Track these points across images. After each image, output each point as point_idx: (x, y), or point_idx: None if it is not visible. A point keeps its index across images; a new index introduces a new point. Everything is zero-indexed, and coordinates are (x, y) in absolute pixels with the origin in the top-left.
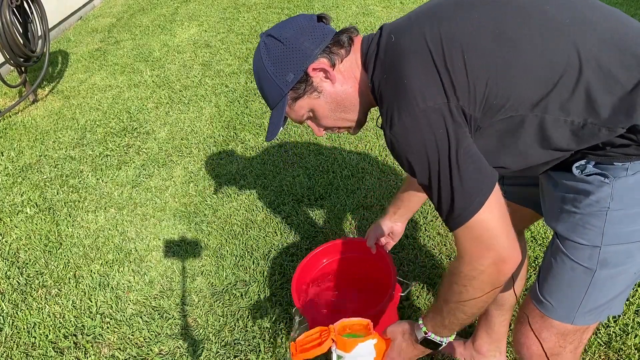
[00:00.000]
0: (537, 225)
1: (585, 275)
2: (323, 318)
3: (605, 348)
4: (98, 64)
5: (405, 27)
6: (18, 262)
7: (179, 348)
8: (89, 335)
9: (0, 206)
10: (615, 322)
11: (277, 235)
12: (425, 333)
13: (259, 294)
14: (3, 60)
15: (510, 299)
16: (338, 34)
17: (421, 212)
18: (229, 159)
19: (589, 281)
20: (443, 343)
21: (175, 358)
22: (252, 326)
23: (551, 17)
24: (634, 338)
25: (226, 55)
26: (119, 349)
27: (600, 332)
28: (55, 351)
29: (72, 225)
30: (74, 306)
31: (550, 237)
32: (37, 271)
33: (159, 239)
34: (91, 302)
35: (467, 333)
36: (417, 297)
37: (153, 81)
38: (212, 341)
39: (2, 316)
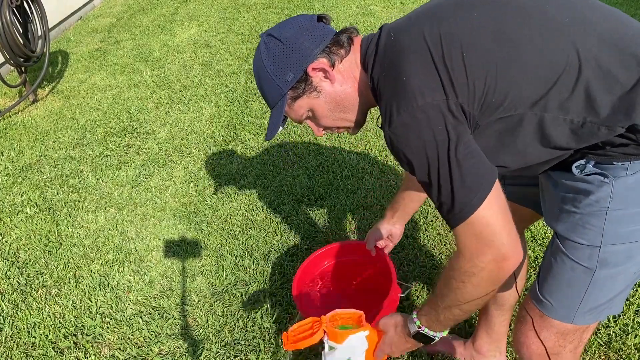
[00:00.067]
0: (537, 225)
1: (585, 275)
2: None
3: (605, 348)
4: (98, 64)
5: (405, 27)
6: (18, 262)
7: (179, 348)
8: (89, 335)
9: (0, 206)
10: (615, 322)
11: (277, 235)
12: (419, 327)
13: (259, 294)
14: (3, 60)
15: (510, 299)
16: (338, 34)
17: (421, 212)
18: (229, 159)
19: (589, 281)
20: (436, 338)
21: (175, 358)
22: (252, 326)
23: (551, 17)
24: (634, 338)
25: (226, 55)
26: (119, 349)
27: (600, 332)
28: (55, 351)
29: (72, 225)
30: (74, 306)
31: (550, 237)
32: (37, 271)
33: (159, 239)
34: (91, 302)
35: (467, 333)
36: (417, 297)
37: (153, 81)
38: (212, 341)
39: (2, 316)
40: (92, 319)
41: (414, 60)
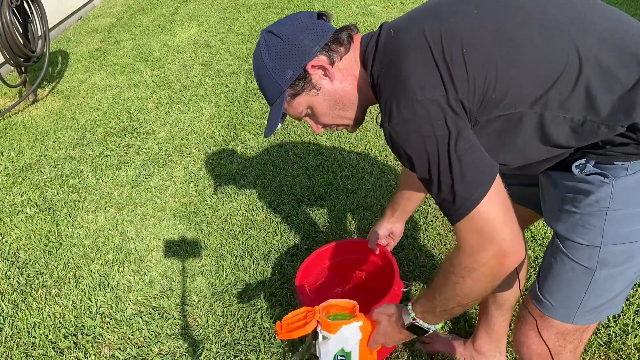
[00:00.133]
0: (537, 225)
1: (585, 275)
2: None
3: (605, 348)
4: (98, 64)
5: (405, 24)
6: (18, 262)
7: (179, 348)
8: (89, 335)
9: (0, 206)
10: (615, 322)
11: (277, 235)
12: (414, 319)
13: (259, 294)
14: (3, 60)
15: (510, 299)
16: (338, 31)
17: (421, 212)
18: (229, 159)
19: (589, 281)
20: (430, 330)
21: (175, 358)
22: (252, 326)
23: (551, 17)
24: (634, 338)
25: (226, 55)
26: (119, 349)
27: (600, 332)
28: (55, 351)
29: (72, 225)
30: (74, 306)
31: (550, 237)
32: (37, 271)
33: (159, 239)
34: (91, 302)
35: (467, 333)
36: None
37: (153, 81)
38: (212, 341)
39: (2, 316)
40: (92, 319)
41: (414, 57)
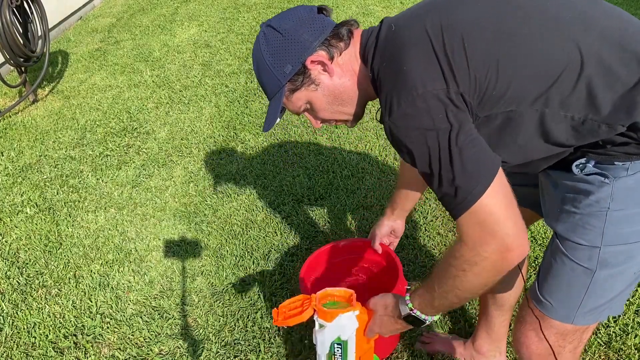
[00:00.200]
0: (537, 225)
1: (585, 276)
2: None
3: (605, 348)
4: (98, 64)
5: (406, 19)
6: (18, 262)
7: (179, 348)
8: (89, 335)
9: (0, 206)
10: (615, 322)
11: (277, 235)
12: (411, 310)
13: (259, 294)
14: (3, 60)
15: (510, 300)
16: (338, 26)
17: (421, 212)
18: (229, 159)
19: (589, 281)
20: (427, 321)
21: (175, 358)
22: (252, 326)
23: (551, 16)
24: (634, 338)
25: (226, 55)
26: (119, 349)
27: (600, 332)
28: (55, 351)
29: (72, 225)
30: (74, 306)
31: (550, 237)
32: (37, 271)
33: (159, 239)
34: (91, 302)
35: (467, 333)
36: None
37: (153, 81)
38: (212, 341)
39: (2, 316)
40: (92, 319)
41: (415, 51)
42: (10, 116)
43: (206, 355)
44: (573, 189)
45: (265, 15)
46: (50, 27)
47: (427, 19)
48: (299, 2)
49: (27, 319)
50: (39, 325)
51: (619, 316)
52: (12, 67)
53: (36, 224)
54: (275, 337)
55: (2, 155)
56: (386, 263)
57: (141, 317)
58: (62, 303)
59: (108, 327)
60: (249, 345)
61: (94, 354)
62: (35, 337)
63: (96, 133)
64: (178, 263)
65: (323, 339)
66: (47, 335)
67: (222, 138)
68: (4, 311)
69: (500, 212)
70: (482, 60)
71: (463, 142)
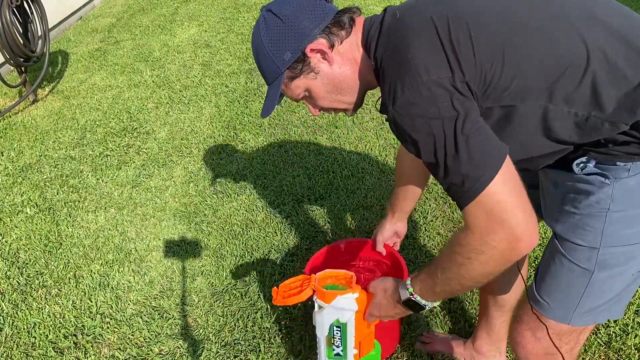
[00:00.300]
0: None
1: (583, 277)
2: None
3: (605, 348)
4: (98, 64)
5: (411, 7)
6: (18, 262)
7: (179, 348)
8: (89, 335)
9: (0, 206)
10: (615, 322)
11: (277, 235)
12: (411, 294)
13: (259, 294)
14: (3, 60)
15: (511, 300)
16: (339, 13)
17: (421, 212)
18: (229, 159)
19: (587, 282)
20: (427, 307)
21: (175, 358)
22: (252, 326)
23: (558, 10)
24: (634, 338)
25: (226, 55)
26: (119, 349)
27: (600, 332)
28: (55, 351)
29: (72, 225)
30: (74, 306)
31: (550, 236)
32: (37, 271)
33: (159, 239)
34: (91, 302)
35: (467, 333)
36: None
37: (153, 81)
38: (212, 341)
39: (2, 316)
40: (92, 319)
41: (420, 37)
42: (10, 116)
43: (206, 355)
44: (573, 189)
45: None
46: (50, 27)
47: (432, 7)
48: None
49: (27, 319)
50: (39, 325)
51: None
52: (12, 67)
53: (36, 224)
54: (275, 337)
55: (2, 155)
56: (390, 263)
57: (141, 317)
58: (62, 303)
59: (108, 327)
60: (249, 345)
61: (94, 354)
62: (35, 337)
63: (96, 133)
64: (178, 263)
65: (322, 321)
66: (47, 335)
67: (222, 138)
68: (4, 311)
69: (509, 201)
70: (488, 50)
71: (469, 130)
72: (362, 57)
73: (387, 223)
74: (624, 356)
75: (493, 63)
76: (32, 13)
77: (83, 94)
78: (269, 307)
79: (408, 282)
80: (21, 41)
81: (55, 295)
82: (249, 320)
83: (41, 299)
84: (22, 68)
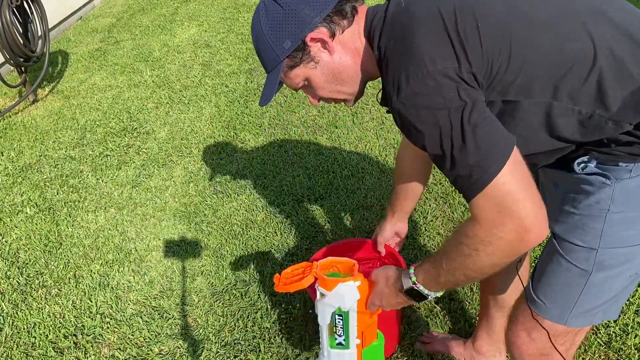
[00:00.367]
0: None
1: (580, 278)
2: None
3: (605, 348)
4: (98, 64)
5: None
6: (18, 262)
7: (179, 348)
8: (89, 335)
9: (0, 206)
10: (615, 322)
11: (277, 235)
12: (414, 283)
13: (259, 294)
14: (3, 60)
15: (511, 301)
16: (342, 1)
17: (421, 212)
18: (229, 159)
19: (584, 283)
20: (429, 297)
21: (175, 358)
22: (252, 326)
23: (567, 6)
24: (634, 338)
25: (226, 55)
26: (119, 349)
27: (600, 332)
28: (55, 351)
29: (72, 225)
30: (74, 306)
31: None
32: (37, 271)
33: (159, 239)
34: (91, 302)
35: (467, 333)
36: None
37: (153, 81)
38: (212, 341)
39: (2, 316)
40: (92, 319)
41: (425, 27)
42: (10, 116)
43: (206, 355)
44: (573, 189)
45: None
46: (50, 27)
47: None
48: None
49: (27, 319)
50: (39, 325)
51: (619, 316)
52: (12, 67)
53: (36, 224)
54: (275, 337)
55: (2, 155)
56: (390, 263)
57: (141, 317)
58: (62, 303)
59: (108, 327)
60: (249, 345)
61: (94, 354)
62: (35, 337)
63: (96, 133)
64: (178, 263)
65: (323, 309)
66: (47, 335)
67: (222, 138)
68: (4, 311)
69: (518, 191)
70: (495, 42)
71: (477, 119)
72: (364, 47)
73: (387, 223)
74: (624, 356)
75: (500, 55)
76: (32, 13)
77: (83, 94)
78: (269, 307)
79: (411, 271)
80: (21, 41)
81: (55, 295)
82: (249, 320)
83: (41, 299)
84: (22, 68)
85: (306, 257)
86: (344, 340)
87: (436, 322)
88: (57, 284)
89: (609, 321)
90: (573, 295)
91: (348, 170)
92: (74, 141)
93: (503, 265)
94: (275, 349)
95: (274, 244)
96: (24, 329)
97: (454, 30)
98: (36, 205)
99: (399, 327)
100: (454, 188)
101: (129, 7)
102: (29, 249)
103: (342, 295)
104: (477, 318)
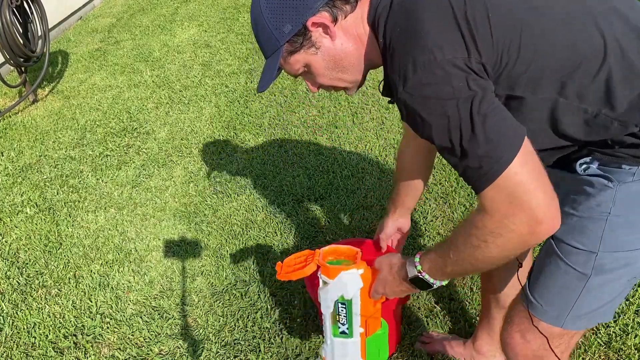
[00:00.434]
0: None
1: (578, 281)
2: None
3: (605, 348)
4: (98, 64)
5: None
6: (18, 262)
7: (179, 348)
8: (89, 335)
9: (0, 206)
10: (615, 322)
11: (277, 235)
12: (419, 272)
13: (259, 294)
14: (3, 60)
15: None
16: None
17: (421, 212)
18: (229, 159)
19: (582, 286)
20: (434, 286)
21: (175, 358)
22: (252, 326)
23: (579, 1)
24: (634, 338)
25: (226, 55)
26: (119, 349)
27: (600, 332)
28: (55, 351)
29: (72, 225)
30: (74, 306)
31: None
32: (37, 271)
33: (159, 239)
34: (91, 302)
35: (467, 333)
36: (417, 296)
37: (153, 81)
38: (212, 341)
39: (2, 316)
40: (92, 319)
41: (433, 15)
42: (10, 116)
43: (206, 355)
44: (574, 190)
45: None
46: (50, 27)
47: None
48: None
49: (27, 319)
50: (39, 325)
51: (619, 316)
52: (12, 67)
53: (36, 224)
54: (275, 337)
55: (2, 155)
56: None
57: (141, 317)
58: (62, 303)
59: (108, 327)
60: (249, 345)
61: (94, 354)
62: (35, 337)
63: (96, 133)
64: (178, 263)
65: (326, 297)
66: (47, 335)
67: (222, 138)
68: (4, 311)
69: (529, 182)
70: (506, 33)
71: (486, 109)
72: (367, 34)
73: (389, 219)
74: (624, 356)
75: (510, 46)
76: (32, 13)
77: (83, 94)
78: (269, 307)
79: (416, 259)
80: (21, 41)
81: (55, 295)
82: (249, 320)
83: (41, 299)
84: (22, 68)
85: None
86: (347, 328)
87: (436, 322)
88: (57, 284)
89: (608, 321)
90: (571, 298)
91: (348, 170)
92: (74, 141)
93: (513, 257)
94: (275, 349)
95: (274, 244)
96: (24, 329)
97: (464, 19)
98: (36, 205)
99: (399, 327)
100: (455, 186)
101: (129, 7)
102: (29, 249)
103: (344, 284)
104: (477, 318)
